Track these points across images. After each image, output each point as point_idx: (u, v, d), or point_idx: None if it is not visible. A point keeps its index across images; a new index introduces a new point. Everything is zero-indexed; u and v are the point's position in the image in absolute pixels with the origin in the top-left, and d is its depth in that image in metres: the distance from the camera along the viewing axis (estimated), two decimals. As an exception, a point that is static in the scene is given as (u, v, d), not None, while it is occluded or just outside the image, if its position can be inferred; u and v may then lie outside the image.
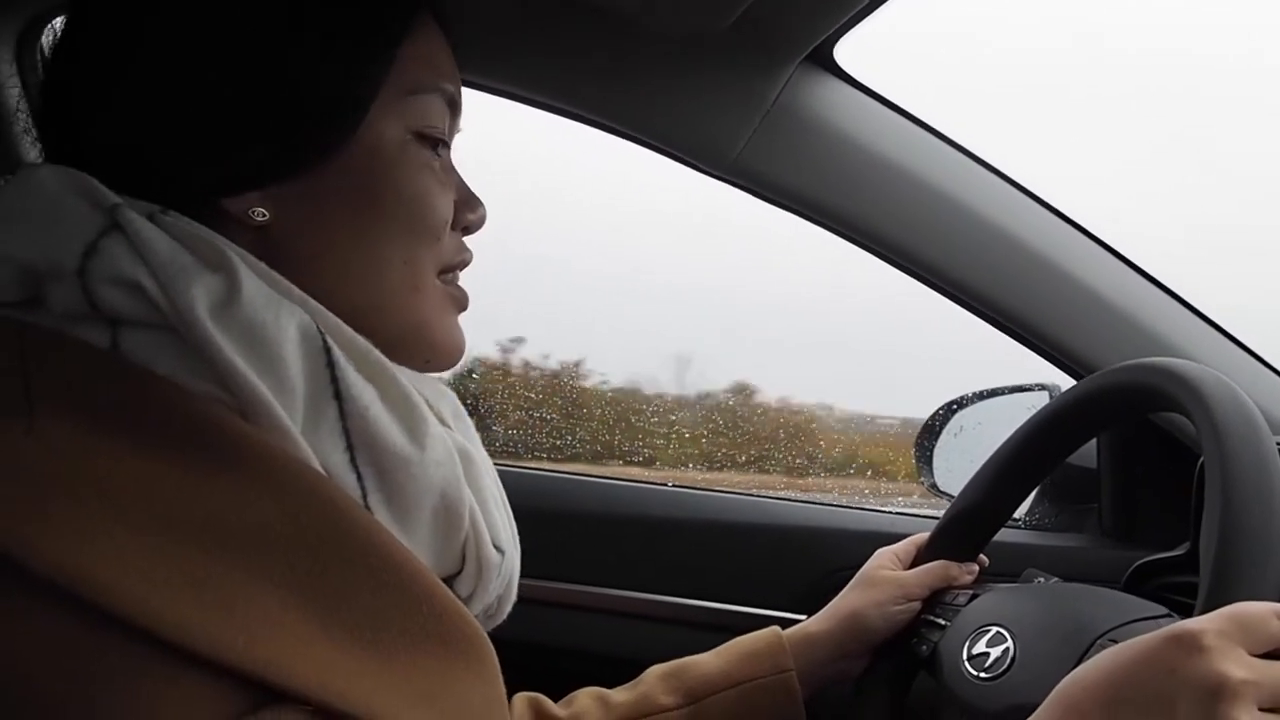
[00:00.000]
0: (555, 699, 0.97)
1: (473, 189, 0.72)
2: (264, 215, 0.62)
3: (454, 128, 0.71)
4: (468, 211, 0.71)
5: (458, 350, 0.71)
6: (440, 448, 0.63)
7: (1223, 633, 0.58)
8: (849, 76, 1.18)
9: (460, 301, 0.71)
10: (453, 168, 0.71)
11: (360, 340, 0.62)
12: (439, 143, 0.68)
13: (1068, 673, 0.65)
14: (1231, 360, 1.24)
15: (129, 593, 0.49)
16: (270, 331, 0.58)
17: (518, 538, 0.71)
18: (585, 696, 0.98)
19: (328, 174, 0.63)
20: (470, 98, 0.72)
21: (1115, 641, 0.78)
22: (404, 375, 0.64)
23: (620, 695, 0.98)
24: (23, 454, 0.51)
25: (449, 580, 0.66)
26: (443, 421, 0.67)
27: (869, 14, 1.06)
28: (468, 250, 0.72)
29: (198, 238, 0.59)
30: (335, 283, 0.64)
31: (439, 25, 0.69)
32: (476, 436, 0.71)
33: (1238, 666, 0.57)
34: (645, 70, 1.13)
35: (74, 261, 0.57)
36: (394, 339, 0.65)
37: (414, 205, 0.66)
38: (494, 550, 0.67)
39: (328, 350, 0.60)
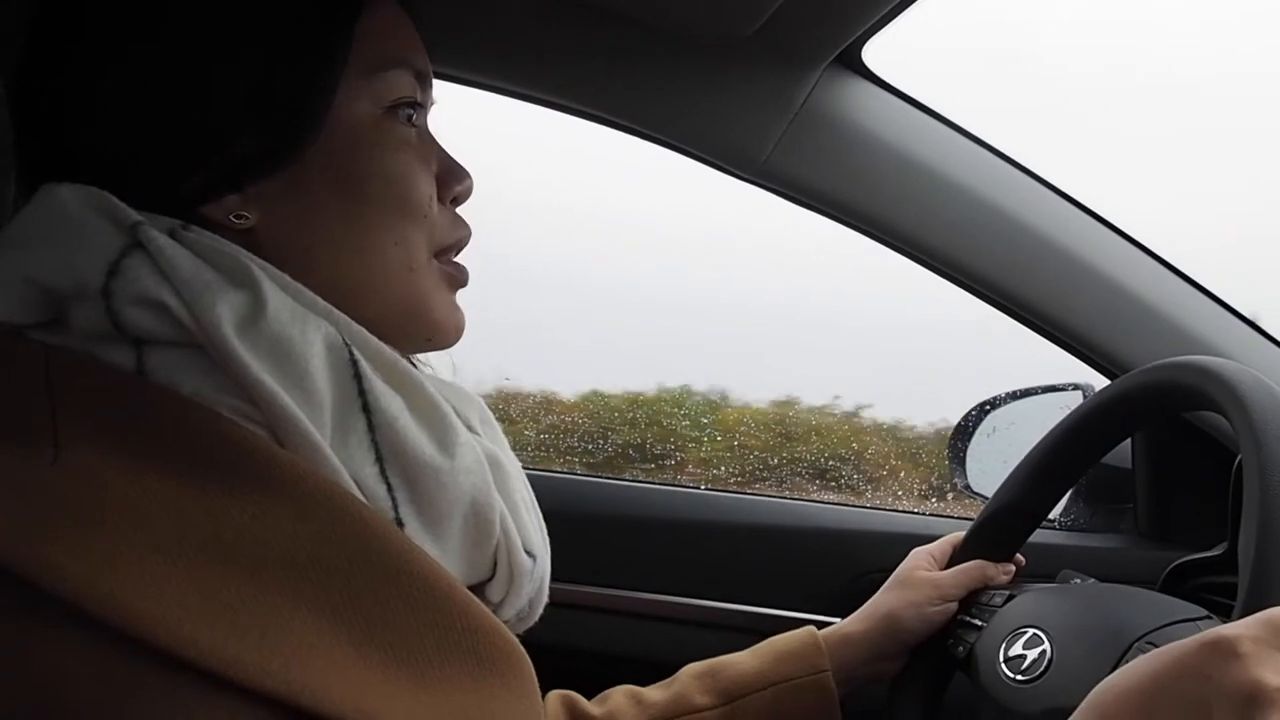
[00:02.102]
0: None
1: (455, 158, 0.70)
2: (246, 218, 0.62)
3: (426, 99, 0.69)
4: (454, 183, 0.70)
5: (457, 328, 0.70)
6: (469, 455, 0.63)
7: (1259, 639, 0.56)
8: (878, 78, 1.17)
9: (457, 279, 0.70)
10: (432, 139, 0.70)
11: (386, 350, 0.62)
12: (411, 114, 0.67)
13: (1105, 676, 0.64)
14: (1268, 358, 1.23)
15: (162, 620, 0.48)
16: (297, 346, 0.58)
17: (548, 541, 0.71)
18: (619, 695, 0.97)
19: (304, 165, 0.63)
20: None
21: (1154, 645, 0.77)
22: (431, 383, 0.63)
23: (655, 694, 0.97)
24: (49, 484, 0.51)
25: (480, 587, 0.66)
26: (470, 428, 0.66)
27: (896, 15, 1.05)
28: (465, 226, 0.71)
29: (220, 253, 0.59)
30: (329, 272, 0.63)
31: (400, 1, 0.68)
32: (505, 442, 0.71)
33: (1275, 673, 0.55)
34: (674, 75, 1.13)
35: (98, 281, 0.56)
36: (394, 321, 0.65)
37: (395, 184, 0.65)
38: (525, 556, 0.67)
39: (354, 362, 0.60)
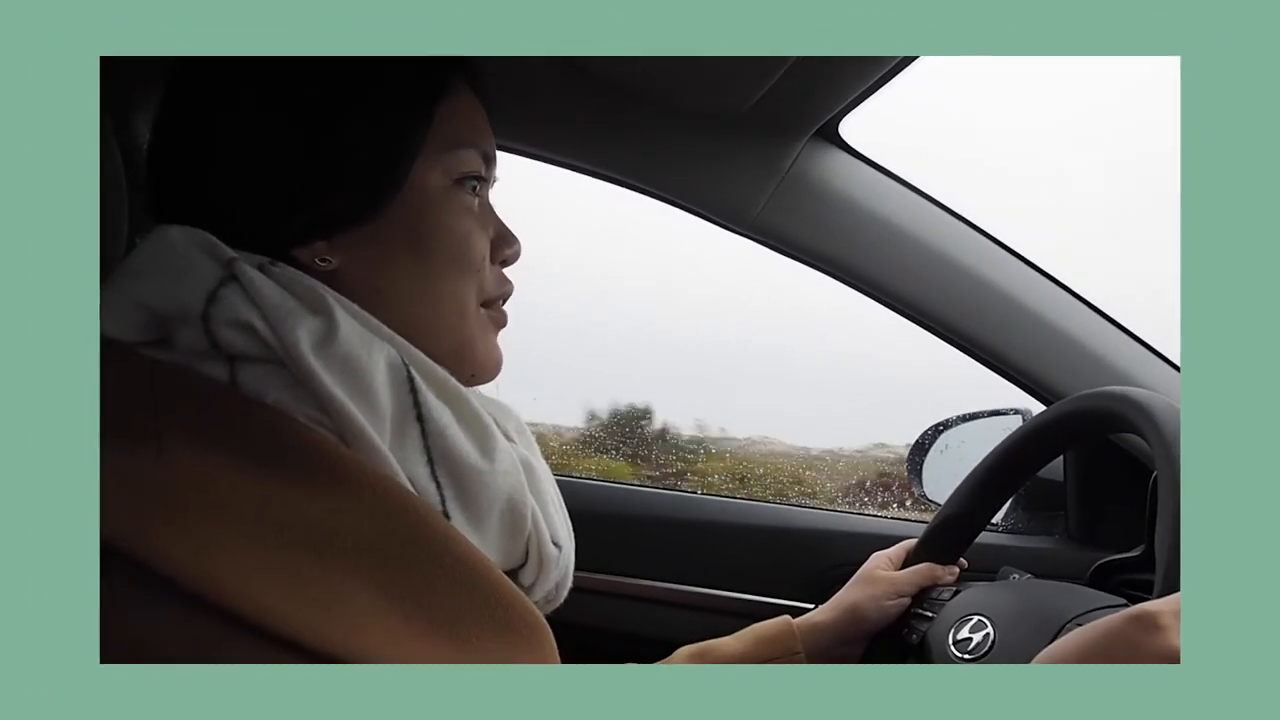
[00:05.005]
0: None
1: (508, 226, 0.71)
2: (329, 261, 0.63)
3: (490, 175, 0.70)
4: (504, 247, 0.70)
5: (496, 366, 0.70)
6: (507, 460, 0.63)
7: (1176, 613, 0.58)
8: (852, 149, 1.18)
9: (499, 323, 0.70)
10: (491, 209, 0.70)
11: (439, 370, 0.62)
12: (475, 187, 0.67)
13: (1040, 652, 0.64)
14: (1175, 384, 1.23)
15: (245, 593, 0.49)
16: (364, 365, 0.58)
17: (573, 534, 0.71)
18: None
19: (383, 222, 0.63)
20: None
21: (1081, 624, 0.77)
22: (475, 398, 0.64)
23: None
24: (153, 476, 0.52)
25: (515, 571, 0.66)
26: (508, 437, 0.66)
27: (868, 97, 1.07)
28: (508, 283, 0.71)
29: (301, 284, 0.59)
30: (393, 312, 0.63)
31: (474, 90, 0.69)
32: (537, 449, 0.71)
33: None
34: (679, 143, 1.14)
35: (199, 308, 0.57)
36: (445, 357, 0.64)
37: (456, 244, 0.66)
38: (553, 546, 0.67)
39: (411, 379, 0.60)
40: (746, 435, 2.20)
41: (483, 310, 0.69)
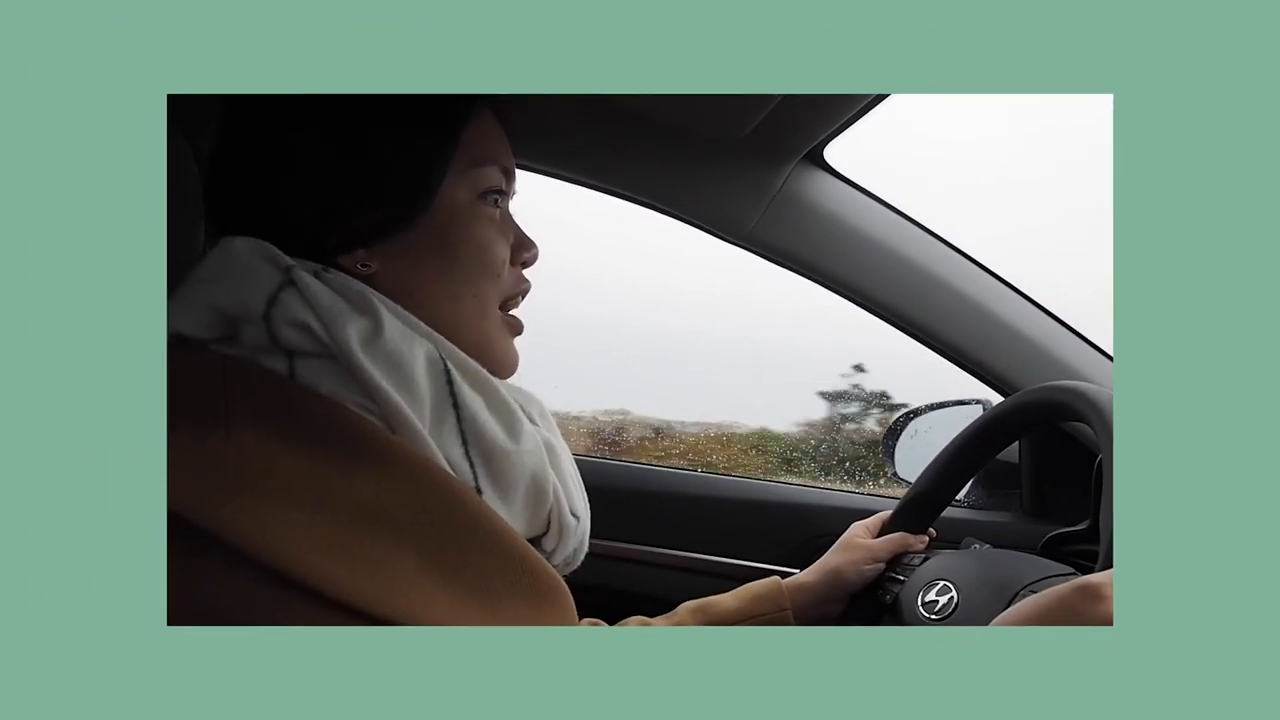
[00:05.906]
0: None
1: (526, 232, 0.71)
2: (369, 267, 0.63)
3: (510, 189, 0.70)
4: (523, 251, 0.70)
5: (512, 364, 0.70)
6: (531, 441, 0.63)
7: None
8: (835, 171, 1.19)
9: (515, 328, 0.70)
10: (510, 218, 0.70)
11: (471, 362, 0.63)
12: (497, 199, 0.67)
13: (998, 614, 0.65)
14: (1110, 375, 1.22)
15: (302, 560, 0.49)
16: (406, 359, 0.58)
17: (589, 506, 0.71)
18: (633, 624, 0.97)
19: (415, 232, 0.63)
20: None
21: (1034, 591, 0.77)
22: (503, 388, 0.64)
23: (659, 624, 0.97)
24: (223, 457, 0.52)
25: (538, 539, 0.66)
26: (532, 421, 0.67)
27: (849, 127, 1.08)
28: (526, 281, 0.71)
29: (351, 288, 0.60)
30: (424, 312, 0.63)
31: (496, 114, 0.69)
32: (558, 431, 0.71)
33: None
34: (683, 164, 1.14)
35: (261, 309, 0.57)
36: (468, 354, 0.64)
37: (480, 251, 0.66)
38: (571, 517, 0.67)
39: (448, 372, 0.60)
40: (716, 420, 2.22)
41: (500, 313, 0.68)
